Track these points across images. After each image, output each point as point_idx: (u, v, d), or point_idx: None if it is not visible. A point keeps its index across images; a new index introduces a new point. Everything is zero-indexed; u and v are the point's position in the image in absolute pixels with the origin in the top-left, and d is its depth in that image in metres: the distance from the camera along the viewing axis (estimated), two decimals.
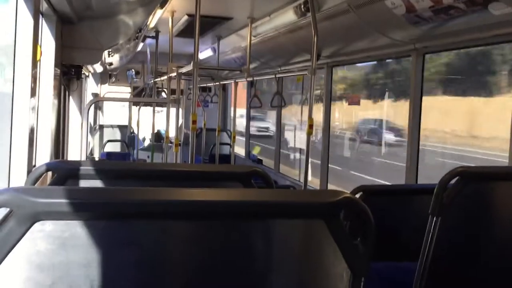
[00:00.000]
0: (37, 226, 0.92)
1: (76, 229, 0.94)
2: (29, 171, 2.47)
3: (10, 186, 2.30)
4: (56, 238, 0.93)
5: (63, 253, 0.94)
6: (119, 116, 13.18)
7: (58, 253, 0.94)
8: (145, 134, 12.05)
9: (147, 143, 11.84)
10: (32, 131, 2.60)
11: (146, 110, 10.24)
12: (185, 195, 1.04)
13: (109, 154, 9.53)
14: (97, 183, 1.67)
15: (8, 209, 0.93)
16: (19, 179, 2.45)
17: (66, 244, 0.94)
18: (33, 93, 2.51)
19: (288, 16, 4.62)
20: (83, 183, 1.67)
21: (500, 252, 1.99)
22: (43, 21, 3.27)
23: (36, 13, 2.49)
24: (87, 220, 0.94)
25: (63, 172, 1.63)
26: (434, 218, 1.85)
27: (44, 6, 3.01)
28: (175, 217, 1.00)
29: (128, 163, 1.72)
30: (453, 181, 1.85)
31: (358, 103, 7.23)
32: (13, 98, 2.42)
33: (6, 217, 0.93)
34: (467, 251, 1.95)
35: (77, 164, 1.72)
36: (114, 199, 0.97)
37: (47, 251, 0.93)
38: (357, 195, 2.33)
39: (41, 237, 0.93)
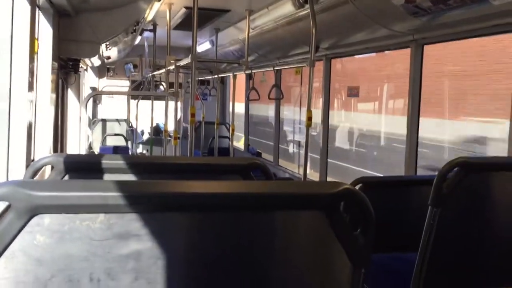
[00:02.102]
0: (35, 219, 0.92)
1: (75, 223, 0.94)
2: (27, 166, 2.46)
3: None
4: (55, 232, 0.93)
5: (62, 247, 0.93)
6: (117, 110, 13.15)
7: (57, 246, 0.93)
8: (144, 128, 12.04)
9: (146, 137, 11.84)
10: (30, 125, 2.59)
11: (145, 104, 10.21)
12: (185, 188, 1.04)
13: (108, 148, 9.53)
14: (95, 177, 1.67)
15: (6, 203, 0.93)
16: (18, 173, 2.45)
17: (65, 237, 0.93)
18: (30, 87, 2.50)
19: (286, 8, 4.60)
20: (82, 177, 1.66)
21: (500, 242, 1.99)
22: (40, 14, 3.25)
23: (33, 6, 2.48)
24: (86, 214, 0.94)
25: (62, 165, 1.62)
26: (434, 209, 1.85)
27: None
28: (174, 210, 1.00)
29: (127, 156, 1.72)
30: (452, 172, 1.85)
31: (357, 95, 7.20)
32: (10, 92, 2.41)
33: (4, 211, 0.93)
34: (467, 241, 1.95)
35: (76, 157, 1.71)
36: (112, 192, 0.96)
37: (46, 244, 0.93)
38: (357, 187, 2.33)
39: (39, 231, 0.92)
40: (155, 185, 1.04)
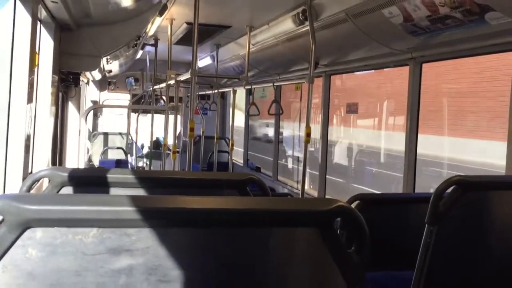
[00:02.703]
0: (28, 233, 0.92)
1: (67, 236, 0.93)
2: (24, 178, 2.46)
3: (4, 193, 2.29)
4: (47, 245, 0.93)
5: (54, 261, 0.93)
6: (118, 123, 13.17)
7: (49, 260, 0.93)
8: (144, 141, 12.06)
9: (145, 150, 11.85)
10: (28, 138, 2.60)
11: (145, 118, 10.23)
12: (178, 203, 1.04)
13: (107, 161, 9.54)
14: (92, 190, 1.67)
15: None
16: (15, 186, 2.45)
17: (57, 251, 0.93)
18: (29, 99, 2.51)
19: (286, 25, 4.64)
20: (78, 190, 1.66)
21: (497, 261, 1.98)
22: (42, 27, 3.28)
23: (34, 20, 2.50)
24: (78, 227, 0.94)
25: (58, 179, 1.62)
26: (431, 227, 1.85)
27: (43, 13, 3.02)
28: (167, 225, 1.00)
29: (124, 170, 1.72)
30: (449, 190, 1.85)
31: (356, 111, 7.20)
32: (9, 105, 2.42)
33: None
34: (464, 260, 1.94)
35: (72, 171, 1.71)
36: (106, 206, 0.96)
37: (38, 258, 0.92)
38: (354, 204, 2.33)
39: (32, 244, 0.92)
40: (148, 200, 1.04)
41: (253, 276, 1.06)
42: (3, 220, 0.91)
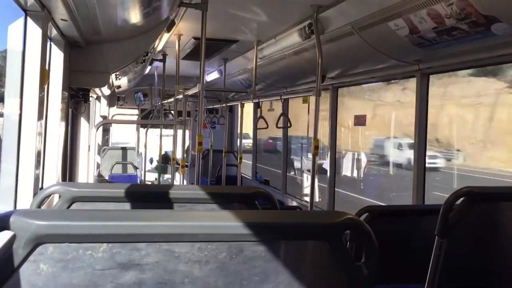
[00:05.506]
0: (39, 249, 0.93)
1: (78, 252, 0.94)
2: (35, 194, 2.49)
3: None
4: (58, 261, 0.94)
5: (65, 276, 0.94)
6: (128, 136, 13.27)
7: (60, 275, 0.94)
8: (153, 156, 12.12)
9: (154, 164, 11.90)
10: (39, 154, 2.63)
11: (154, 132, 10.30)
12: (187, 218, 1.05)
13: (117, 176, 9.59)
14: (102, 205, 1.68)
15: (11, 233, 0.94)
16: (26, 202, 2.47)
17: (68, 266, 0.94)
18: (40, 116, 2.55)
19: (293, 38, 4.67)
20: (88, 206, 1.67)
21: (509, 273, 1.96)
22: (52, 45, 3.33)
23: (44, 38, 2.54)
24: (89, 243, 0.95)
25: (68, 194, 1.64)
26: (441, 239, 1.83)
27: (53, 31, 3.07)
28: (177, 240, 1.01)
29: (132, 185, 1.73)
30: (459, 202, 1.83)
31: (364, 124, 7.18)
32: (20, 121, 2.45)
33: (10, 240, 0.94)
34: (475, 272, 1.92)
35: (82, 186, 1.73)
36: (115, 222, 0.97)
37: (49, 273, 0.93)
38: (363, 216, 2.32)
39: (43, 260, 0.93)
40: (157, 215, 1.05)
41: None
42: (15, 236, 0.92)
